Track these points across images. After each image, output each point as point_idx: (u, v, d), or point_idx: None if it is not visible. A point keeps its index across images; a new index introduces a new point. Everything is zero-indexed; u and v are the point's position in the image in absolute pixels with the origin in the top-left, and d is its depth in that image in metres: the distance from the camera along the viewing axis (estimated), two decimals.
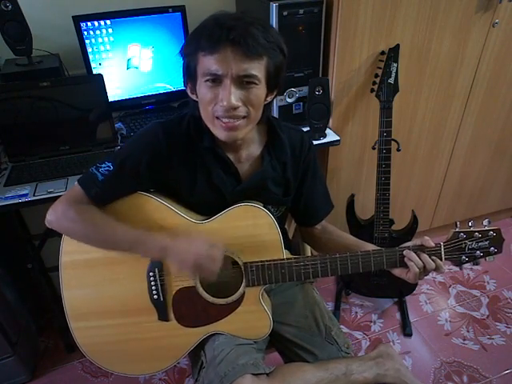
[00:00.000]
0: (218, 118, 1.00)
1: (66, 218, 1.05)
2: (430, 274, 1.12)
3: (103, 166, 1.07)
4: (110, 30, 1.70)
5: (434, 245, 1.09)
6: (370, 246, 1.19)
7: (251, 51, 0.93)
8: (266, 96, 1.05)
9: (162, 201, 1.11)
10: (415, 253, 1.08)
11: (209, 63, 0.94)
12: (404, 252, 1.10)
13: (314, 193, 1.29)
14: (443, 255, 1.10)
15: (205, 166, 1.12)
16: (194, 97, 1.05)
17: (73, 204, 1.06)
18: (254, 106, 1.00)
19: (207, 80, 0.96)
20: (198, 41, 0.95)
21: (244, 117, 1.00)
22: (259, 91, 1.00)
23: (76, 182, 1.09)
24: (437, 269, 1.08)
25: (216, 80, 0.95)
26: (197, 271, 1.05)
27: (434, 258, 1.08)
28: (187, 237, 1.05)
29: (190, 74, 1.01)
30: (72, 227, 1.06)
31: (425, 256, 1.08)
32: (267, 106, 1.09)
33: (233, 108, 0.97)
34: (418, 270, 1.07)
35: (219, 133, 1.03)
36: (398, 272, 1.13)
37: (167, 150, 1.08)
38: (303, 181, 1.25)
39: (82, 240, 1.07)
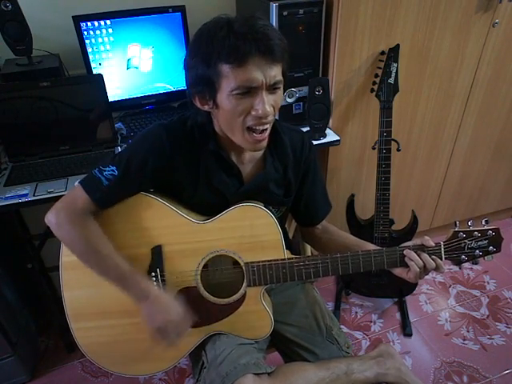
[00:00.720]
0: (249, 128, 1.00)
1: (67, 231, 1.05)
2: (430, 273, 1.13)
3: (107, 169, 1.06)
4: (110, 30, 1.70)
5: (434, 244, 1.10)
6: (371, 246, 1.19)
7: (277, 56, 0.94)
8: None
9: (163, 201, 1.11)
10: (415, 252, 1.09)
11: (239, 76, 0.92)
12: (404, 252, 1.10)
13: (315, 193, 1.29)
14: (443, 254, 1.10)
15: (207, 168, 1.12)
16: (205, 107, 1.02)
17: (76, 215, 1.05)
18: (278, 108, 1.03)
19: (238, 93, 0.95)
20: (220, 53, 0.92)
21: (270, 121, 1.02)
22: (281, 92, 1.02)
23: (79, 184, 1.08)
24: (437, 268, 1.09)
25: (248, 91, 0.95)
26: (157, 333, 1.07)
27: (434, 257, 1.09)
28: (165, 299, 1.08)
29: (206, 87, 0.97)
30: (71, 242, 1.07)
31: (425, 255, 1.08)
32: None
33: (268, 115, 0.98)
34: (418, 269, 1.07)
35: (248, 144, 1.04)
36: (398, 271, 1.13)
37: (170, 151, 1.08)
38: (304, 181, 1.25)
39: (75, 255, 1.08)
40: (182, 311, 1.07)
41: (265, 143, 1.05)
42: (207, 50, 0.94)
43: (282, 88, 1.01)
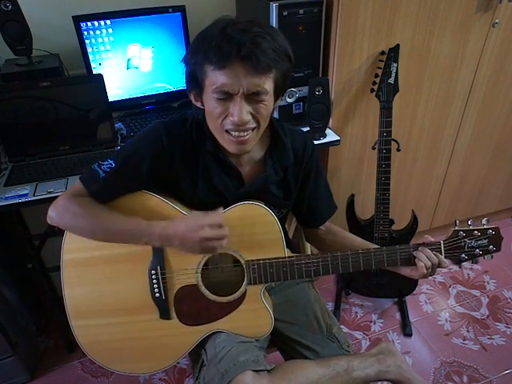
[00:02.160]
0: (227, 131, 1.00)
1: (67, 212, 1.05)
2: None
3: (105, 163, 1.08)
4: (110, 30, 1.70)
5: (433, 240, 1.11)
6: (376, 247, 1.19)
7: (261, 66, 0.92)
8: (274, 103, 1.05)
9: (164, 199, 1.11)
10: (420, 250, 1.09)
11: (218, 79, 0.93)
12: (414, 253, 1.10)
13: (317, 195, 1.29)
14: (443, 253, 1.11)
15: (206, 168, 1.12)
16: (198, 104, 1.04)
17: (73, 199, 1.06)
18: (263, 118, 1.01)
19: (216, 97, 0.95)
20: (206, 52, 0.92)
21: (254, 128, 1.01)
22: (268, 103, 1.00)
23: (78, 179, 1.10)
24: (440, 264, 1.09)
25: (226, 96, 0.95)
26: (204, 245, 1.00)
27: (435, 253, 1.09)
28: (183, 218, 1.06)
29: (195, 84, 0.99)
30: (73, 221, 1.06)
31: (428, 251, 1.09)
32: (272, 110, 1.09)
33: (244, 123, 0.97)
34: (426, 270, 1.08)
35: (229, 146, 1.04)
36: (403, 270, 1.14)
37: (169, 150, 1.08)
38: (305, 184, 1.25)
39: (83, 233, 1.08)
40: (202, 213, 1.03)
41: (249, 147, 1.04)
42: (197, 48, 0.95)
43: (269, 99, 0.99)
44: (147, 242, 1.04)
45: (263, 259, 1.12)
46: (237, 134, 0.99)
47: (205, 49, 0.93)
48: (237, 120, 0.96)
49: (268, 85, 0.96)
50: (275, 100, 1.04)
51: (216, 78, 0.93)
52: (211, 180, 1.13)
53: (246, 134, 1.00)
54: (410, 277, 1.13)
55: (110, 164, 1.07)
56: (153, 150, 1.07)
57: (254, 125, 1.00)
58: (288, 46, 0.99)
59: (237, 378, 1.04)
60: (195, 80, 0.98)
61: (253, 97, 0.96)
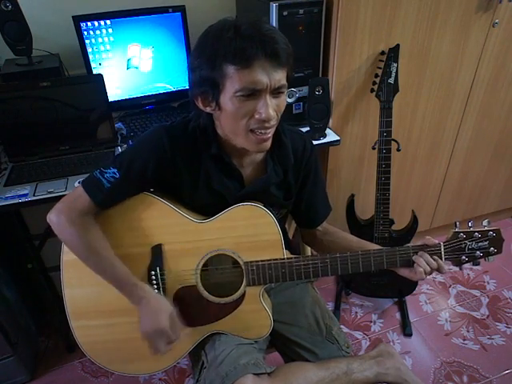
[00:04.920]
0: (252, 130, 1.00)
1: (68, 231, 1.06)
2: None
3: (108, 171, 1.07)
4: (110, 30, 1.70)
5: (436, 242, 1.10)
6: (374, 247, 1.19)
7: (283, 61, 0.93)
8: None
9: (163, 200, 1.11)
10: (419, 255, 1.09)
11: (244, 77, 0.92)
12: (413, 258, 1.10)
13: (316, 196, 1.29)
14: (443, 255, 1.10)
15: (207, 170, 1.12)
16: (207, 109, 1.02)
17: (77, 216, 1.06)
18: (281, 113, 1.02)
19: (242, 95, 0.94)
20: (226, 55, 0.91)
21: (273, 125, 1.01)
22: (285, 97, 1.01)
23: (80, 186, 1.08)
24: (438, 269, 1.09)
25: (252, 94, 0.94)
26: (146, 339, 1.08)
27: (435, 257, 1.09)
28: (156, 306, 1.08)
29: (210, 88, 0.97)
30: (71, 243, 1.08)
31: (427, 256, 1.09)
32: None
33: (271, 119, 0.97)
34: (424, 275, 1.08)
35: (251, 146, 1.03)
36: (402, 271, 1.14)
37: (171, 154, 1.07)
38: (304, 184, 1.25)
39: (75, 255, 1.09)
40: (170, 321, 1.07)
41: (269, 143, 1.04)
42: (213, 51, 0.93)
43: (285, 93, 1.01)
44: (127, 296, 1.10)
45: (262, 261, 1.12)
46: (263, 131, 0.99)
47: (224, 52, 0.91)
48: (265, 116, 0.96)
49: (285, 79, 0.98)
50: None
51: (242, 77, 0.92)
52: (212, 183, 1.12)
53: (269, 131, 1.01)
54: (409, 278, 1.13)
55: (114, 173, 1.06)
56: (156, 155, 1.07)
57: (276, 121, 1.02)
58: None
59: (238, 382, 1.05)
60: (211, 84, 0.96)
61: (276, 92, 0.97)
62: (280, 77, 0.95)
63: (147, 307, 1.07)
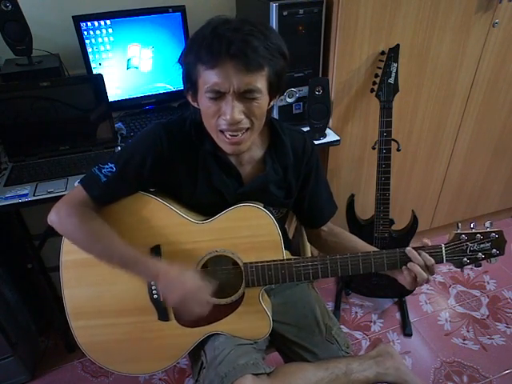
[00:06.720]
0: (221, 131, 1.00)
1: (69, 223, 1.05)
2: None
3: (106, 167, 1.07)
4: (110, 30, 1.70)
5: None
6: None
7: (252, 64, 0.91)
8: (269, 102, 1.04)
9: (162, 201, 1.11)
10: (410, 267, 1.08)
11: (210, 78, 0.92)
12: (408, 265, 1.09)
13: (318, 195, 1.28)
14: (444, 257, 1.09)
15: (206, 168, 1.12)
16: (195, 104, 1.04)
17: (77, 208, 1.06)
18: (256, 117, 1.00)
19: (209, 96, 0.95)
20: (198, 52, 0.92)
21: (248, 128, 1.00)
22: (262, 101, 0.98)
23: (78, 183, 1.09)
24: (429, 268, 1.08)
25: (218, 95, 0.94)
26: (180, 306, 1.05)
27: (425, 255, 1.08)
28: (175, 272, 1.04)
29: (190, 84, 0.99)
30: (73, 234, 1.07)
31: (425, 254, 1.08)
32: (269, 110, 1.08)
33: (236, 122, 0.96)
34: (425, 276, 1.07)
35: (224, 146, 1.03)
36: (399, 277, 1.14)
37: (169, 151, 1.08)
38: (306, 183, 1.24)
39: (80, 247, 1.08)
40: (196, 280, 1.04)
41: (243, 147, 1.03)
42: (191, 49, 0.95)
43: (263, 97, 0.98)
44: (139, 273, 1.06)
45: (261, 261, 1.11)
46: (230, 133, 0.99)
47: (197, 49, 0.93)
48: (229, 119, 0.95)
49: (260, 83, 0.95)
50: (270, 99, 1.03)
51: (208, 78, 0.93)
52: (211, 180, 1.12)
53: (239, 134, 0.99)
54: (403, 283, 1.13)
55: (111, 168, 1.07)
56: (153, 152, 1.07)
57: (248, 125, 0.99)
58: (282, 44, 0.98)
59: (237, 382, 1.05)
60: (190, 81, 0.98)
61: (245, 95, 0.95)
62: (248, 80, 0.92)
63: (167, 277, 1.03)
